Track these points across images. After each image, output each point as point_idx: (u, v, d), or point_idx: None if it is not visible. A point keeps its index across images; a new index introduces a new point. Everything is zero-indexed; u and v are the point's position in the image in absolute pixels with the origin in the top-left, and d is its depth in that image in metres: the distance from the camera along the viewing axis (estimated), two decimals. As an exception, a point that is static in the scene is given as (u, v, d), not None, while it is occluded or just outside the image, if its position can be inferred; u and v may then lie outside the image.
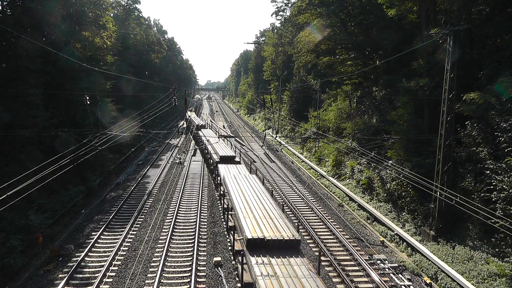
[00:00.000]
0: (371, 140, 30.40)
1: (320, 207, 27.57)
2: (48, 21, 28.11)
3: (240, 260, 14.30)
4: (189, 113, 74.36)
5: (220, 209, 26.51)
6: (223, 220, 24.40)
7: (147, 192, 30.40)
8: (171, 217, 24.61)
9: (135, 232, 22.42)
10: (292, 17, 59.95)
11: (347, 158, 34.29)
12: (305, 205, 27.78)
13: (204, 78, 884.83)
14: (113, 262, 18.51)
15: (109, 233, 22.25)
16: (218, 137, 37.60)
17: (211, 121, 69.62)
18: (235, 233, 17.34)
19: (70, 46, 32.49)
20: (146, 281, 16.76)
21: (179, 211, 25.87)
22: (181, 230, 22.76)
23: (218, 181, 27.14)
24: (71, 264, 18.34)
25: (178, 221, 24.12)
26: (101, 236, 21.68)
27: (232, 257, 18.83)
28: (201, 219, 24.39)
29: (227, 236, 21.54)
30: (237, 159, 30.61)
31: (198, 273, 17.51)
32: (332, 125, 41.00)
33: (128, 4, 68.18)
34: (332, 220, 24.75)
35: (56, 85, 28.99)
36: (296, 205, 27.42)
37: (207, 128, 53.51)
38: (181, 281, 16.89)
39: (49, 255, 19.26)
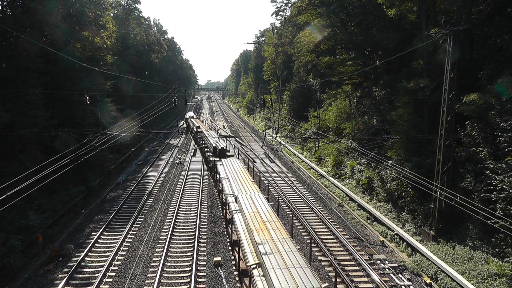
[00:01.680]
0: (371, 140, 30.41)
1: (320, 207, 27.56)
2: (48, 21, 28.09)
3: None
4: (194, 121, 48.63)
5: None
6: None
7: (147, 192, 30.40)
8: (171, 217, 24.61)
9: (135, 232, 22.41)
10: (292, 17, 59.90)
11: (347, 158, 34.29)
12: (305, 205, 27.78)
13: (204, 78, 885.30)
14: (113, 262, 18.50)
15: (109, 233, 22.25)
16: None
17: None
18: None
19: (70, 46, 32.48)
20: (146, 281, 16.76)
21: (179, 211, 25.86)
22: (181, 230, 22.76)
23: None
24: (71, 264, 18.33)
25: (178, 221, 24.12)
26: (101, 236, 21.68)
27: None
28: (201, 219, 24.38)
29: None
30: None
31: (198, 273, 17.51)
32: (332, 125, 41.00)
33: (128, 4, 68.18)
34: (332, 220, 24.74)
35: (56, 85, 28.96)
36: (296, 205, 27.41)
37: (231, 154, 30.54)
38: (181, 281, 16.89)
39: (49, 255, 19.25)
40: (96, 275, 17.18)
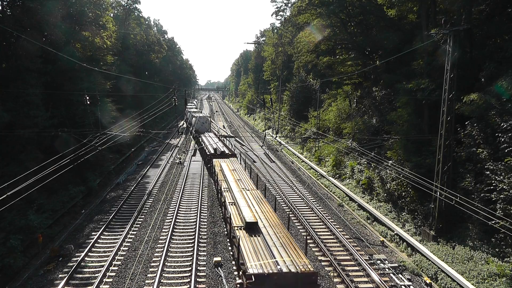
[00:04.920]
0: (371, 140, 30.40)
1: (320, 207, 27.56)
2: (48, 21, 28.08)
3: None
4: (229, 175, 24.53)
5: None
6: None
7: (147, 192, 30.40)
8: (171, 217, 24.61)
9: (135, 232, 22.42)
10: (292, 17, 59.97)
11: (347, 158, 34.29)
12: (305, 205, 27.78)
13: (204, 78, 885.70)
14: (113, 262, 18.51)
15: (109, 233, 22.25)
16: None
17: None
18: None
19: (70, 46, 32.45)
20: (146, 281, 16.76)
21: (179, 211, 25.86)
22: (181, 230, 22.76)
23: None
24: (71, 264, 18.34)
25: (178, 221, 24.12)
26: (101, 236, 21.68)
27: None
28: (201, 219, 24.38)
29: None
30: None
31: (198, 273, 17.51)
32: (332, 125, 41.00)
33: (128, 4, 68.17)
34: (332, 220, 24.74)
35: (56, 85, 28.96)
36: (296, 205, 27.41)
37: None
38: (181, 281, 16.89)
39: (49, 255, 19.26)
40: (96, 275, 17.19)
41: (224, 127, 70.56)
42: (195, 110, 69.15)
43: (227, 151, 28.62)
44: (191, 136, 53.17)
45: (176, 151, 48.13)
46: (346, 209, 27.80)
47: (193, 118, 49.49)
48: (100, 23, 38.74)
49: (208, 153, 29.48)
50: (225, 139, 33.08)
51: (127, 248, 20.17)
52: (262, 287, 11.90)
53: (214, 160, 28.61)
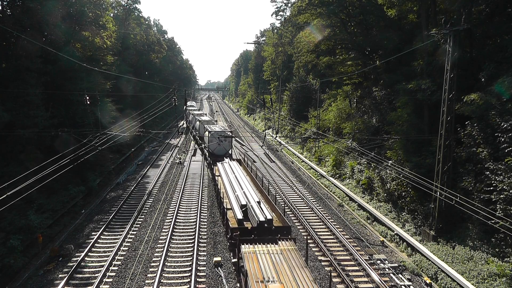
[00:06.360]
0: (371, 140, 30.40)
1: (320, 207, 27.56)
2: (48, 21, 28.07)
3: None
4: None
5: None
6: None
7: (147, 192, 30.39)
8: (171, 217, 24.61)
9: (135, 232, 22.41)
10: (292, 17, 59.91)
11: (347, 158, 34.29)
12: (305, 205, 27.77)
13: (204, 78, 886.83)
14: (113, 262, 18.50)
15: (109, 233, 22.25)
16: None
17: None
18: None
19: (70, 46, 32.43)
20: (146, 281, 16.76)
21: (179, 211, 25.86)
22: (181, 230, 22.76)
23: None
24: (71, 264, 18.34)
25: (178, 221, 24.12)
26: (101, 236, 21.68)
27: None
28: (201, 219, 24.38)
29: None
30: None
31: (198, 273, 17.51)
32: (332, 125, 41.00)
33: (128, 4, 68.14)
34: (332, 220, 24.74)
35: (56, 85, 28.94)
36: (296, 205, 27.41)
37: None
38: (181, 281, 16.89)
39: (49, 255, 19.26)
40: (96, 275, 17.18)
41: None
42: (206, 119, 47.43)
43: (269, 216, 15.14)
44: (191, 136, 53.05)
45: (176, 151, 48.15)
46: (346, 209, 27.80)
47: (206, 132, 34.19)
48: (100, 23, 38.73)
49: (232, 223, 15.89)
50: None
51: (127, 248, 20.17)
52: None
53: (244, 248, 13.25)
